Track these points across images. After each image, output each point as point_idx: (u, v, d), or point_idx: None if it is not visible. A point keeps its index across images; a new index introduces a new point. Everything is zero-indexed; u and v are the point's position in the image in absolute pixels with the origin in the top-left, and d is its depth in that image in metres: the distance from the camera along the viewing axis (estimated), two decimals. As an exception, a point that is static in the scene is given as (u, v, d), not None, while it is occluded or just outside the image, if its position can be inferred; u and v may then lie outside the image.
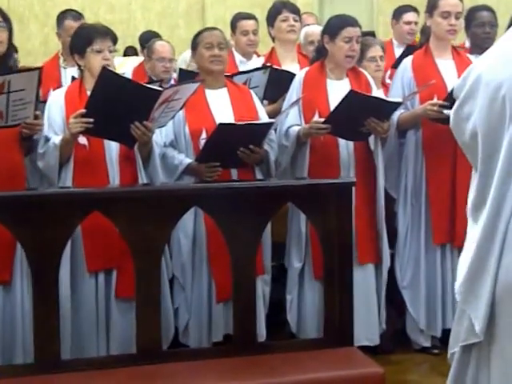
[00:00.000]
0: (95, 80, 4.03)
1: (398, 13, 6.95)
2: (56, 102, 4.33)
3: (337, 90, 4.69)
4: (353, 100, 4.41)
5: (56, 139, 4.19)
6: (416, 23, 6.89)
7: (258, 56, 6.19)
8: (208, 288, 4.53)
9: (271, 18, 5.69)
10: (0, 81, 3.86)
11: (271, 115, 4.84)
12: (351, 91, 4.46)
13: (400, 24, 6.88)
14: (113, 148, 4.27)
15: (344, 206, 4.14)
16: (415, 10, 6.94)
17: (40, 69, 4.03)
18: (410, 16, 6.87)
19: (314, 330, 4.64)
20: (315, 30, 5.86)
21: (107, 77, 3.97)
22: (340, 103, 4.45)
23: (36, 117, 4.12)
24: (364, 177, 4.68)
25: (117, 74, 4.09)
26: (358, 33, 4.74)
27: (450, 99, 4.65)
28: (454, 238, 4.87)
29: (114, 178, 4.27)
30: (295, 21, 5.63)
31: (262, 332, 4.42)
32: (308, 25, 6.42)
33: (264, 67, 5.28)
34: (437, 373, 4.76)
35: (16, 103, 3.96)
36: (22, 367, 3.93)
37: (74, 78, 5.17)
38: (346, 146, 4.70)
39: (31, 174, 4.35)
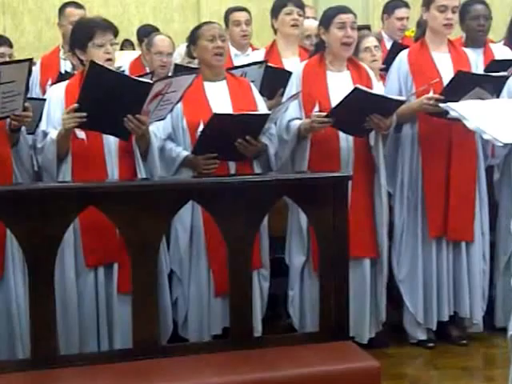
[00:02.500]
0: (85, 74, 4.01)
1: (390, 8, 6.92)
2: (56, 96, 4.32)
3: (337, 83, 4.68)
4: (357, 96, 4.40)
5: (53, 134, 4.18)
6: (407, 19, 6.87)
7: (253, 49, 6.18)
8: (207, 281, 4.52)
9: (275, 10, 5.66)
10: None
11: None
12: (356, 88, 4.43)
13: (391, 19, 6.86)
14: (111, 141, 4.26)
15: (340, 200, 4.13)
16: (406, 5, 6.92)
17: (30, 60, 3.99)
18: (401, 12, 6.85)
19: (316, 324, 4.64)
20: (312, 23, 5.84)
21: (96, 71, 3.95)
22: (344, 99, 4.43)
23: (25, 108, 4.10)
24: (363, 171, 4.68)
25: (105, 68, 4.06)
26: (351, 18, 4.71)
27: (446, 93, 4.65)
28: (446, 232, 4.88)
29: (113, 172, 4.27)
30: (299, 15, 5.60)
31: (257, 327, 4.42)
32: (308, 17, 6.40)
33: (259, 62, 5.27)
34: (432, 366, 4.78)
35: (6, 95, 3.93)
36: (19, 362, 3.92)
37: (66, 73, 5.15)
38: (346, 140, 4.68)
39: (17, 167, 4.31)
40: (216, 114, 4.30)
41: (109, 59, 4.21)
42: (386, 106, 4.57)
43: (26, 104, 4.11)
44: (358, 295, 4.69)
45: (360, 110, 4.46)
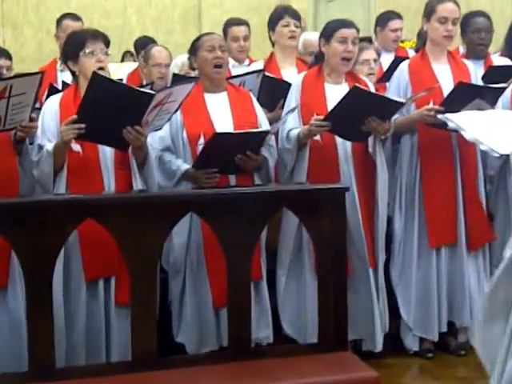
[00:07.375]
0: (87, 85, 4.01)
1: (383, 20, 6.90)
2: (50, 108, 4.30)
3: (335, 95, 4.65)
4: (356, 96, 4.37)
5: (49, 146, 4.16)
6: (401, 29, 6.88)
7: (251, 61, 6.18)
8: (205, 295, 4.50)
9: (272, 23, 5.66)
10: (2, 86, 3.82)
11: (271, 123, 4.80)
12: (355, 87, 4.41)
13: (385, 31, 6.84)
14: (107, 153, 4.24)
15: (338, 211, 4.13)
16: (399, 16, 6.93)
17: (42, 73, 4.01)
18: (395, 23, 6.84)
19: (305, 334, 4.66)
20: (314, 38, 5.82)
21: (98, 81, 3.94)
22: (343, 99, 4.39)
23: (31, 119, 4.11)
24: (362, 180, 4.67)
25: (108, 79, 4.06)
26: (353, 34, 4.69)
27: (446, 104, 4.65)
28: (447, 241, 4.87)
29: (110, 184, 4.24)
30: (296, 27, 5.61)
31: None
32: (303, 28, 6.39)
33: (258, 70, 5.27)
34: (431, 376, 4.77)
35: (15, 107, 3.92)
36: (16, 375, 3.88)
37: (64, 84, 5.16)
38: (343, 148, 4.66)
39: (22, 179, 4.30)
40: (217, 134, 4.30)
41: (101, 68, 4.20)
42: (384, 107, 4.52)
43: (33, 115, 4.10)
44: (367, 305, 4.69)
45: (358, 113, 4.43)
